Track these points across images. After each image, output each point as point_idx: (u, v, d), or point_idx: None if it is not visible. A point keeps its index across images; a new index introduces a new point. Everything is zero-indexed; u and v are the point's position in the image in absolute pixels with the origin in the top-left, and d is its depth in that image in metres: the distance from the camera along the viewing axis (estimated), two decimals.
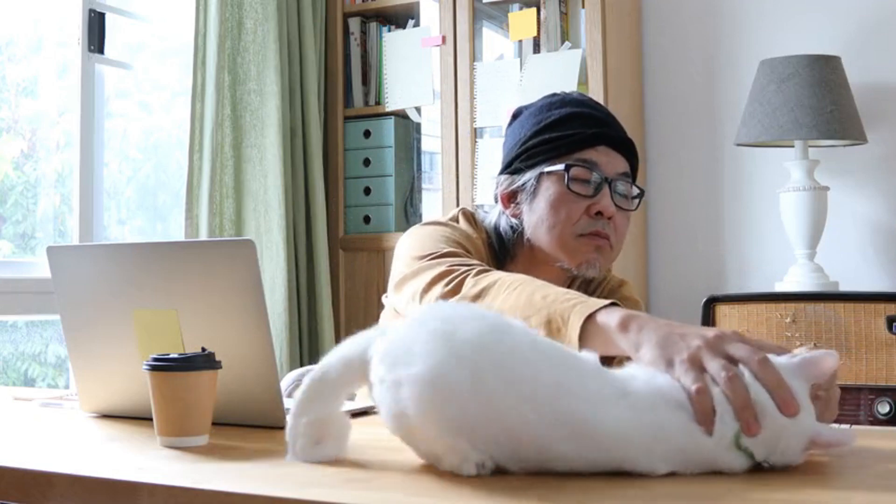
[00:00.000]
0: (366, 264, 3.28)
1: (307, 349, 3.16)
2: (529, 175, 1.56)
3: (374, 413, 1.39)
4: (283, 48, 3.14)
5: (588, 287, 1.65)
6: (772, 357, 0.94)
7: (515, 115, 1.66)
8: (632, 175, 1.59)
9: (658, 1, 3.26)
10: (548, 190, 1.54)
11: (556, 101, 1.61)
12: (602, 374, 0.94)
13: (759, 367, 0.93)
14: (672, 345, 0.98)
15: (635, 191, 1.58)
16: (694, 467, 0.91)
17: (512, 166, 1.59)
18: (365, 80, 3.41)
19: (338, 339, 3.55)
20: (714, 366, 0.94)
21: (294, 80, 3.22)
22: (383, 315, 1.68)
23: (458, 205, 3.09)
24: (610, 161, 1.55)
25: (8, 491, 1.01)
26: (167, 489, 0.92)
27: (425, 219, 2.13)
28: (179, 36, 3.19)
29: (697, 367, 0.94)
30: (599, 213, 1.52)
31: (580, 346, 1.13)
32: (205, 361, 1.13)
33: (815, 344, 2.58)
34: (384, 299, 1.66)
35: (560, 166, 1.53)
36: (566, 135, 1.54)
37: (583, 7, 3.04)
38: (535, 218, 1.55)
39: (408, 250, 1.52)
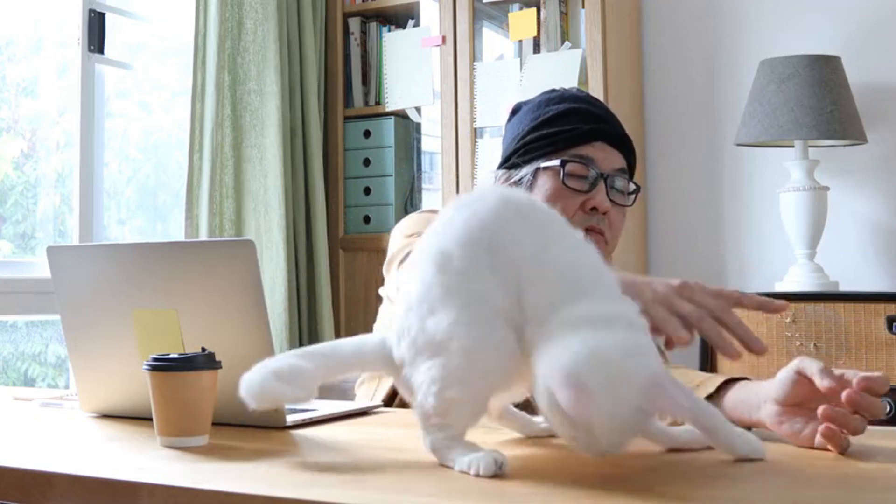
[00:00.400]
0: (366, 264, 3.28)
1: None
2: (526, 170, 1.56)
3: (375, 413, 1.39)
4: (283, 48, 3.14)
5: None
6: None
7: (514, 111, 1.66)
8: (629, 171, 1.59)
9: (658, 1, 3.26)
10: (544, 185, 1.54)
11: (555, 97, 1.61)
12: None
13: (723, 314, 0.98)
14: (639, 292, 1.00)
15: (632, 187, 1.59)
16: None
17: (510, 161, 1.60)
18: (365, 80, 3.41)
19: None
20: (686, 308, 0.98)
21: (294, 80, 3.22)
22: (381, 308, 1.69)
23: None
24: (606, 157, 1.55)
25: (8, 491, 1.01)
26: (167, 489, 0.92)
27: None
28: (179, 36, 3.19)
29: (666, 306, 0.97)
30: (594, 209, 1.52)
31: None
32: (205, 361, 1.13)
33: (815, 345, 2.59)
34: (381, 291, 1.68)
35: (556, 161, 1.53)
36: (563, 130, 1.55)
37: (583, 7, 3.04)
38: None
39: (398, 235, 1.56)
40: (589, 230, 1.52)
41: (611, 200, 1.53)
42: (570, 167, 1.52)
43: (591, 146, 1.54)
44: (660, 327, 0.95)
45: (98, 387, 1.37)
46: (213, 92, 2.95)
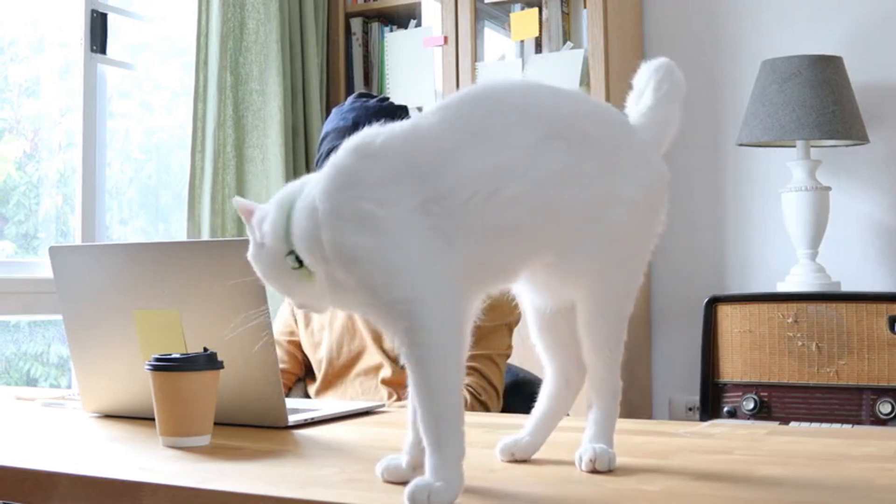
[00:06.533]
0: None
1: None
2: None
3: (375, 413, 1.40)
4: (285, 48, 3.15)
5: None
6: None
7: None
8: None
9: (660, 1, 3.26)
10: None
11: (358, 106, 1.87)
12: None
13: None
14: None
15: None
16: None
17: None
18: (367, 80, 3.41)
19: None
20: None
21: (296, 81, 3.22)
22: None
23: None
24: None
25: (10, 491, 1.01)
26: (169, 489, 0.92)
27: None
28: (182, 36, 3.20)
29: None
30: None
31: None
32: (206, 361, 1.13)
33: (817, 345, 2.58)
34: None
35: None
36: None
37: (585, 7, 3.04)
38: None
39: None
40: None
41: None
42: None
43: None
44: None
45: (100, 387, 1.37)
46: (215, 92, 2.95)
